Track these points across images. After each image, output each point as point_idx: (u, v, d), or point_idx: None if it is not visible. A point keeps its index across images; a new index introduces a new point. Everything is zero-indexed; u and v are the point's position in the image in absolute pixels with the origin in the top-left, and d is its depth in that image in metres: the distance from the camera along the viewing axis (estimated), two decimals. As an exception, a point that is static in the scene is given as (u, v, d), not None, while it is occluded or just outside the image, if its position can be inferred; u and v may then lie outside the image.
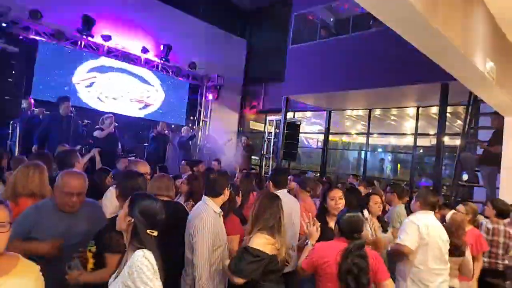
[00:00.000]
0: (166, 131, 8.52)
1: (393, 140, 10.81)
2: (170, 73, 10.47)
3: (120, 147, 7.42)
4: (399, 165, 11.01)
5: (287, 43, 9.09)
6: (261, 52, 12.22)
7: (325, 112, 10.44)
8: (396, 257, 2.90)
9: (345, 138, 11.96)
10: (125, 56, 9.44)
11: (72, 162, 3.18)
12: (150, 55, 9.87)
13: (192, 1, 11.05)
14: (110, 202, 2.74)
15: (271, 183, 3.55)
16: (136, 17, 9.34)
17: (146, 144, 8.84)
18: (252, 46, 12.78)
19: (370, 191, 4.56)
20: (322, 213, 2.91)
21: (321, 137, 11.02)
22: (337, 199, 2.81)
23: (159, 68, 10.23)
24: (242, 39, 12.78)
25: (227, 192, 2.52)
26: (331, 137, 10.83)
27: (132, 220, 1.64)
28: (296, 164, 11.03)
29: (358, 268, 1.99)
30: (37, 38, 7.76)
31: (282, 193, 3.19)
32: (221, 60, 11.41)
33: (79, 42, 8.59)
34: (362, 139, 10.32)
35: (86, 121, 7.57)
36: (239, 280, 2.09)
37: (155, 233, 1.65)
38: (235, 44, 12.37)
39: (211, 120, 11.65)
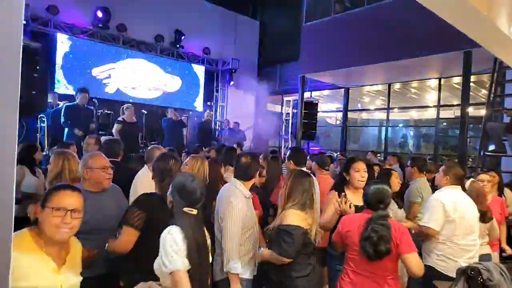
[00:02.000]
0: (181, 117, 8.55)
1: (414, 114, 10.56)
2: (185, 59, 10.52)
3: (142, 135, 7.60)
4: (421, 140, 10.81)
5: (301, 21, 8.93)
6: (274, 32, 12.05)
7: (343, 89, 10.29)
8: (421, 237, 2.85)
9: (364, 115, 11.77)
10: (141, 45, 9.53)
11: (118, 152, 3.44)
12: (165, 43, 9.93)
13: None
14: (140, 182, 2.85)
15: (291, 161, 3.58)
16: (148, 6, 9.34)
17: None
18: (265, 27, 12.61)
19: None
20: (340, 185, 2.86)
21: (340, 115, 10.90)
22: (362, 171, 2.77)
23: (174, 55, 10.29)
24: (254, 20, 12.63)
25: (257, 175, 2.58)
26: (350, 115, 10.70)
27: (171, 199, 1.73)
28: (314, 144, 11.00)
29: (378, 236, 1.98)
30: (56, 32, 8.00)
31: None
32: (235, 43, 11.36)
33: (95, 34, 8.74)
34: (382, 115, 10.14)
35: (108, 111, 7.76)
36: (287, 260, 2.16)
37: (194, 211, 1.70)
38: (247, 26, 12.25)
39: (228, 104, 11.71)
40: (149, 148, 3.51)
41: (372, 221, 2.05)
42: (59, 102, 6.80)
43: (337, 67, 8.22)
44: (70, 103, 6.20)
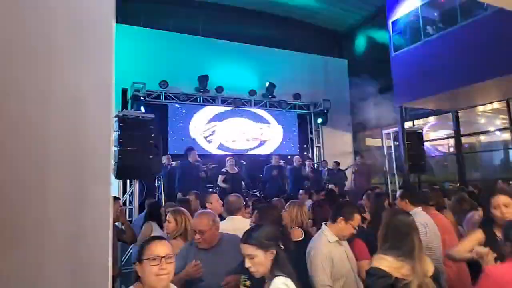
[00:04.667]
0: (281, 162, 8.78)
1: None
2: (278, 107, 11.02)
3: (244, 185, 8.04)
4: None
5: (389, 52, 8.63)
6: (362, 67, 11.85)
7: (450, 113, 9.28)
8: None
9: (483, 138, 10.28)
10: (237, 101, 10.38)
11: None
12: (258, 95, 10.65)
13: (287, 37, 11.63)
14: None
15: (406, 201, 3.16)
16: (241, 65, 10.29)
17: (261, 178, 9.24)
18: (353, 64, 12.52)
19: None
20: (489, 225, 2.40)
21: (452, 141, 9.75)
22: (502, 207, 2.30)
23: (267, 105, 10.89)
24: (342, 60, 12.69)
25: (357, 217, 2.39)
26: (465, 140, 9.47)
27: (275, 251, 1.75)
28: (429, 176, 9.92)
29: None
30: (168, 103, 9.39)
31: (418, 210, 2.97)
32: (325, 84, 11.51)
33: (198, 99, 9.93)
34: (505, 136, 8.71)
35: (212, 165, 8.52)
36: None
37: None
38: (336, 66, 12.35)
39: (324, 145, 11.62)
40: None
41: None
42: (172, 162, 7.77)
43: (439, 91, 7.54)
44: (182, 162, 7.04)
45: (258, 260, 1.72)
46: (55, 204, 0.76)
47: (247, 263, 1.75)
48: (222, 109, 10.36)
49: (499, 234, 2.24)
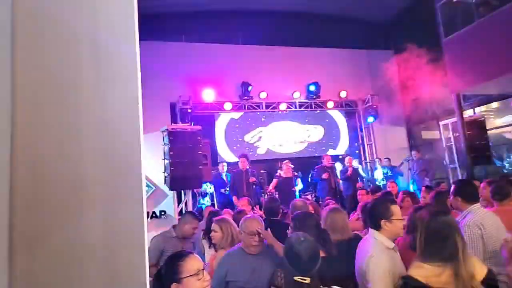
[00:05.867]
0: (331, 163, 8.56)
1: None
2: (324, 107, 10.80)
3: (294, 188, 7.99)
4: None
5: (440, 37, 8.07)
6: (411, 57, 11.18)
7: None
8: None
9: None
10: (281, 105, 10.36)
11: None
12: (302, 97, 10.53)
13: (328, 34, 11.37)
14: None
15: (458, 198, 2.87)
16: (281, 69, 10.26)
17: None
18: (401, 55, 11.87)
19: None
20: None
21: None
22: None
23: (313, 106, 10.72)
24: (388, 51, 12.10)
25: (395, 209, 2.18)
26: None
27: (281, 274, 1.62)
28: (498, 166, 9.06)
29: None
30: (214, 113, 9.67)
31: (474, 208, 2.72)
32: (372, 79, 11.06)
33: (243, 106, 10.08)
34: None
35: (262, 171, 8.60)
36: None
37: (307, 280, 1.52)
38: (382, 59, 11.80)
39: (376, 141, 11.15)
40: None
41: None
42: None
43: (499, 75, 6.87)
44: (234, 170, 7.21)
45: None
46: (90, 225, 0.82)
47: None
48: (266, 114, 10.41)
49: None
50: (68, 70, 0.82)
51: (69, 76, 0.82)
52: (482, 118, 8.21)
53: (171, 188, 5.76)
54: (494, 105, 9.62)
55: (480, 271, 1.75)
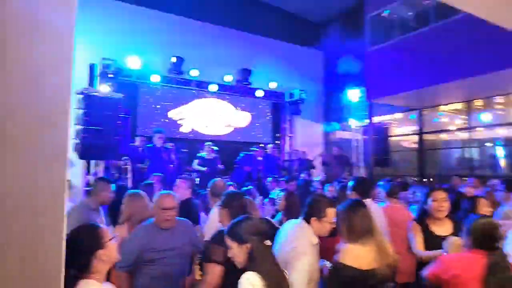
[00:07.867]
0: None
1: (503, 132, 9.36)
2: (253, 95, 10.98)
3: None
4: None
5: (364, 47, 8.81)
6: (338, 60, 12.00)
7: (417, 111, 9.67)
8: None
9: (444, 136, 10.80)
10: (211, 86, 10.22)
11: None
12: (233, 82, 10.53)
13: (265, 23, 11.50)
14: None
15: (354, 193, 3.40)
16: (217, 50, 10.07)
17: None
18: (329, 56, 12.65)
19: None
20: (422, 217, 2.85)
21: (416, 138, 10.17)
22: (440, 201, 2.72)
23: (242, 92, 10.82)
24: (318, 51, 12.77)
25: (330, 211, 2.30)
26: (427, 137, 9.92)
27: (249, 245, 1.73)
28: (393, 170, 10.34)
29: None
30: (138, 82, 9.09)
31: (366, 203, 3.09)
32: (300, 74, 11.54)
33: (171, 80, 9.68)
34: (463, 135, 9.21)
35: (183, 150, 8.44)
36: None
37: (269, 242, 1.78)
38: (312, 57, 12.41)
39: (296, 134, 11.78)
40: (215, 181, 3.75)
41: (496, 267, 1.77)
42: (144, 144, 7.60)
43: (406, 90, 7.82)
44: (149, 145, 6.92)
45: (233, 252, 1.79)
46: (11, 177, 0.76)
47: (228, 253, 1.84)
48: (195, 92, 10.19)
49: (429, 223, 2.77)
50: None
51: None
52: (387, 126, 9.27)
53: (81, 157, 5.31)
54: (400, 115, 10.91)
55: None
